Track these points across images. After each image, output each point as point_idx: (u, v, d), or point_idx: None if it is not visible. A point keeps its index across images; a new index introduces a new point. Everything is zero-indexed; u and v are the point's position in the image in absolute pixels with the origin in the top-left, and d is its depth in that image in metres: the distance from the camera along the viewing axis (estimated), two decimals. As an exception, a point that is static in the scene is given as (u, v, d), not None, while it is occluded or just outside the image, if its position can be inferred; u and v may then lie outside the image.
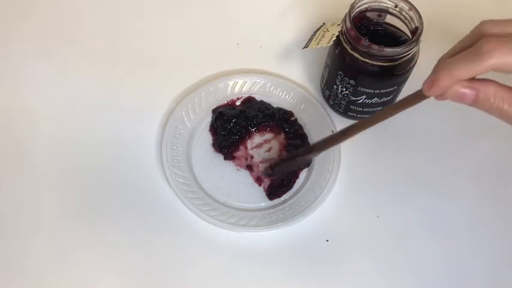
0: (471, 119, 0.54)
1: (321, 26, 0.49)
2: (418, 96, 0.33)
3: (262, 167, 0.50)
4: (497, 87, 0.30)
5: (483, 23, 0.30)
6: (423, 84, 0.31)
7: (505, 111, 0.29)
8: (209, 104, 0.54)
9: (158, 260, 0.47)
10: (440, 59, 0.32)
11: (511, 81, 0.31)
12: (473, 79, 0.30)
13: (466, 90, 0.30)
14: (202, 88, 0.54)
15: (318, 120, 0.53)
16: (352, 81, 0.48)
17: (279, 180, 0.50)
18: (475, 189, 0.51)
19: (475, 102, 0.30)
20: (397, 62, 0.45)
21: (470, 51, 0.29)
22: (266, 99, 0.55)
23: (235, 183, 0.50)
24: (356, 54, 0.45)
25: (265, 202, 0.50)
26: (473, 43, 0.29)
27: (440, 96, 0.31)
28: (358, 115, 0.52)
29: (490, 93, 0.30)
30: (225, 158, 0.52)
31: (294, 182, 0.51)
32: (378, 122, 0.37)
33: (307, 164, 0.51)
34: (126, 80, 0.56)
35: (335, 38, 0.47)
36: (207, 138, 0.53)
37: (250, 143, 0.53)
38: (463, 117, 0.54)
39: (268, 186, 0.50)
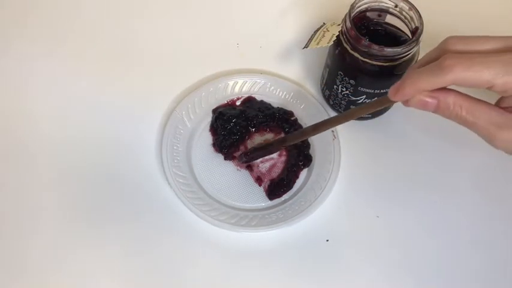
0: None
1: (321, 26, 0.49)
2: (386, 100, 0.36)
3: (237, 155, 0.51)
4: (456, 96, 0.32)
5: (449, 38, 0.32)
6: (389, 90, 0.34)
7: (463, 117, 0.32)
8: (209, 104, 0.54)
9: (158, 260, 0.47)
10: (409, 68, 0.35)
11: (475, 91, 0.33)
12: (436, 89, 0.32)
13: (428, 99, 0.33)
14: (202, 88, 0.54)
15: (318, 120, 0.52)
16: (352, 81, 0.48)
17: (278, 180, 0.50)
18: (475, 189, 0.51)
19: (436, 110, 0.33)
20: (397, 62, 0.45)
21: (434, 65, 0.31)
22: (266, 99, 0.55)
23: (235, 183, 0.50)
24: (356, 54, 0.45)
25: (265, 202, 0.50)
26: (439, 57, 0.32)
27: (406, 102, 0.34)
28: (358, 115, 0.52)
29: (450, 102, 0.32)
30: (225, 158, 0.52)
31: (294, 182, 0.51)
32: (346, 120, 0.41)
33: (308, 164, 0.51)
34: (126, 80, 0.56)
35: (335, 38, 0.47)
36: (207, 138, 0.53)
37: (250, 143, 0.53)
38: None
39: (269, 186, 0.50)
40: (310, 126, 0.45)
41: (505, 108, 0.32)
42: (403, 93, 0.33)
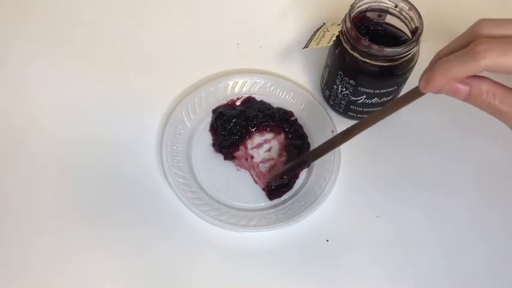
0: (472, 118, 0.54)
1: (321, 26, 0.49)
2: (415, 93, 0.34)
3: (269, 178, 0.50)
4: (490, 84, 0.31)
5: (480, 21, 0.30)
6: (419, 82, 0.32)
7: (496, 107, 0.31)
8: (209, 104, 0.54)
9: (158, 260, 0.47)
10: (436, 54, 0.33)
11: (509, 80, 0.31)
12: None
13: (461, 86, 0.31)
14: (202, 88, 0.54)
15: (318, 120, 0.53)
16: (352, 81, 0.48)
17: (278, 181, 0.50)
18: (475, 189, 0.51)
19: (468, 98, 0.31)
20: (397, 62, 0.45)
21: (465, 51, 0.30)
22: (266, 99, 0.55)
23: (235, 183, 0.50)
24: (356, 54, 0.45)
25: (265, 202, 0.50)
26: (470, 42, 0.30)
27: (437, 92, 0.32)
28: (358, 115, 0.52)
29: (483, 90, 0.31)
30: (225, 158, 0.52)
31: (294, 182, 0.51)
32: (378, 120, 0.39)
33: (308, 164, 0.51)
34: (126, 79, 0.56)
35: (335, 38, 0.47)
36: (207, 138, 0.53)
37: (250, 143, 0.53)
38: (463, 116, 0.54)
39: (268, 186, 0.50)
40: (339, 135, 0.42)
41: None
42: (434, 85, 0.31)
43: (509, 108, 0.30)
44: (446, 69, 0.30)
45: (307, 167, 0.51)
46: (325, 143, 0.45)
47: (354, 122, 0.53)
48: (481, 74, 0.30)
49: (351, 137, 0.41)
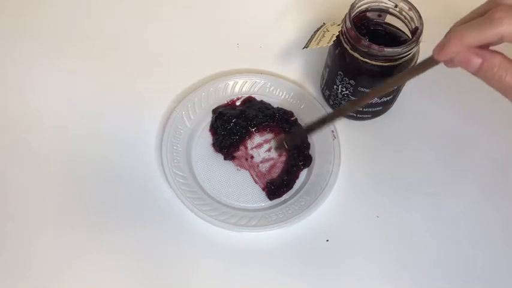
0: (472, 119, 0.54)
1: (321, 26, 0.49)
2: (429, 62, 0.33)
3: (274, 143, 0.51)
4: (503, 59, 0.30)
5: None
6: (434, 48, 0.32)
7: (506, 83, 0.30)
8: (209, 104, 0.54)
9: (158, 259, 0.47)
10: (453, 25, 0.32)
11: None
12: (482, 49, 0.30)
13: (473, 56, 0.30)
14: (202, 88, 0.54)
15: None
16: (352, 81, 0.48)
17: (279, 180, 0.50)
18: (477, 189, 0.51)
19: (479, 70, 0.31)
20: (397, 62, 0.45)
21: (482, 18, 0.29)
22: (266, 99, 0.55)
23: (235, 183, 0.50)
24: (356, 54, 0.45)
25: (265, 202, 0.50)
26: (488, 11, 0.29)
27: (450, 62, 0.32)
28: (358, 115, 0.52)
29: (495, 63, 0.30)
30: (225, 158, 0.52)
31: (294, 182, 0.51)
32: (391, 88, 0.39)
33: (308, 164, 0.51)
34: (126, 80, 0.56)
35: (335, 38, 0.47)
36: (207, 138, 0.53)
37: (250, 143, 0.53)
38: (464, 117, 0.54)
39: (268, 186, 0.50)
40: (347, 103, 0.43)
41: None
42: (448, 51, 0.31)
43: None
44: (461, 35, 0.30)
45: (308, 166, 0.51)
46: (335, 111, 0.45)
47: (353, 121, 0.54)
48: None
49: (361, 105, 0.42)
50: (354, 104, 0.42)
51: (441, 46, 0.31)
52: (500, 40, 0.29)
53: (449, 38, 0.30)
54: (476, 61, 0.30)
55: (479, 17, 0.30)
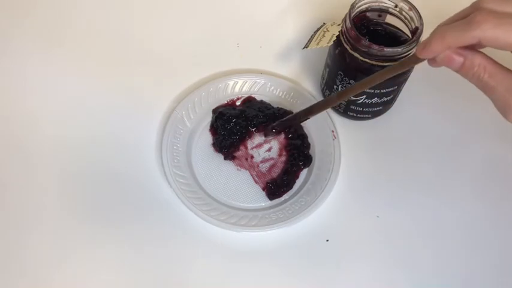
0: (471, 121, 0.54)
1: (321, 26, 0.49)
2: (412, 60, 0.35)
3: (265, 129, 0.52)
4: (483, 58, 0.32)
5: None
6: (417, 46, 0.34)
7: (485, 81, 0.32)
8: (209, 104, 0.54)
9: (158, 259, 0.47)
10: (438, 25, 0.34)
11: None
12: (465, 48, 0.32)
13: (455, 56, 0.32)
14: (202, 88, 0.54)
15: (318, 120, 0.53)
16: (352, 81, 0.48)
17: (279, 180, 0.50)
18: (475, 190, 0.51)
19: (460, 68, 0.33)
20: (397, 62, 0.45)
21: (463, 21, 0.31)
22: (266, 99, 0.55)
23: (235, 183, 0.50)
24: (356, 54, 0.45)
25: (265, 202, 0.50)
26: (470, 14, 0.31)
27: (433, 61, 0.34)
28: (358, 115, 0.52)
29: (475, 62, 0.32)
30: (225, 158, 0.52)
31: (294, 182, 0.51)
32: (374, 83, 0.40)
33: (308, 164, 0.51)
34: (126, 80, 0.56)
35: (335, 38, 0.47)
36: (207, 138, 0.53)
37: (250, 143, 0.53)
38: (463, 119, 0.54)
39: (268, 186, 0.50)
40: (334, 94, 0.44)
41: None
42: (430, 49, 0.32)
43: (497, 84, 0.31)
44: (443, 35, 0.32)
45: (308, 166, 0.51)
46: (319, 101, 0.46)
47: (353, 121, 0.54)
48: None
49: (346, 98, 0.43)
50: (340, 96, 0.44)
51: (424, 44, 0.33)
52: (478, 43, 0.30)
53: (432, 38, 0.32)
54: (458, 60, 0.32)
55: (462, 18, 0.32)
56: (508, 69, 0.32)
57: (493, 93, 0.32)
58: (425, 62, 0.35)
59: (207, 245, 0.47)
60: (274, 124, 0.51)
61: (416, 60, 0.34)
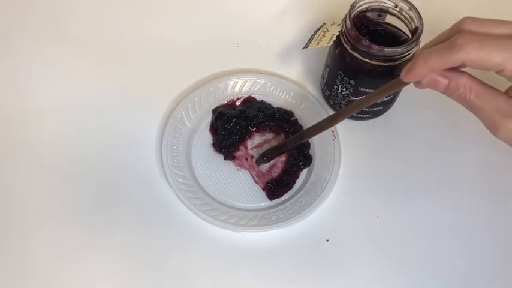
0: (472, 120, 0.54)
1: (321, 26, 0.49)
2: (397, 83, 0.35)
3: (255, 158, 0.52)
4: (468, 78, 0.32)
5: (464, 18, 0.32)
6: (401, 70, 0.34)
7: (471, 101, 0.32)
8: (209, 104, 0.54)
9: (158, 259, 0.47)
10: (421, 48, 0.34)
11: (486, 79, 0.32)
12: (449, 69, 0.32)
13: (440, 78, 0.32)
14: (202, 88, 0.54)
15: (318, 120, 0.53)
16: (352, 81, 0.48)
17: (279, 180, 0.50)
18: (475, 190, 0.51)
19: (446, 90, 0.33)
20: (397, 62, 0.45)
21: (445, 43, 0.31)
22: (266, 99, 0.55)
23: (235, 183, 0.50)
24: (356, 54, 0.45)
25: (265, 202, 0.50)
26: (452, 36, 0.31)
27: (418, 84, 0.34)
28: (358, 115, 0.52)
29: (461, 84, 0.32)
30: (225, 158, 0.52)
31: (294, 182, 0.51)
32: (363, 107, 0.41)
33: (308, 164, 0.51)
34: (126, 79, 0.56)
35: (335, 38, 0.47)
36: (207, 138, 0.53)
37: (250, 143, 0.53)
38: (463, 119, 0.54)
39: (268, 186, 0.50)
40: (325, 119, 0.45)
41: None
42: (414, 73, 0.32)
43: (484, 104, 0.31)
44: (427, 59, 0.32)
45: (308, 166, 0.51)
46: (311, 126, 0.46)
47: (353, 122, 0.54)
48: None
49: (337, 122, 0.44)
50: (331, 120, 0.44)
51: (408, 69, 0.33)
52: (462, 65, 0.31)
53: (415, 62, 0.32)
54: (443, 82, 0.32)
55: (444, 41, 0.32)
56: (493, 89, 0.32)
57: (481, 113, 0.32)
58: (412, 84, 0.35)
59: (207, 245, 0.47)
60: (265, 152, 0.50)
61: (403, 83, 0.35)
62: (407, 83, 0.34)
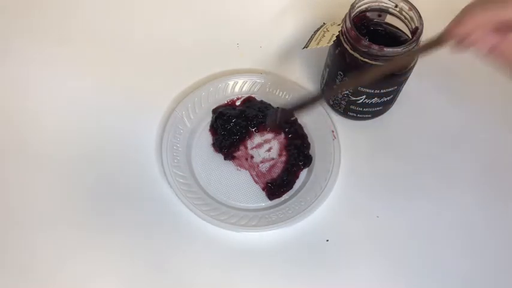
0: (472, 120, 0.54)
1: (321, 26, 0.49)
2: (434, 43, 0.33)
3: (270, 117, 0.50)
4: None
5: None
6: (447, 25, 0.31)
7: None
8: (209, 104, 0.54)
9: (158, 259, 0.47)
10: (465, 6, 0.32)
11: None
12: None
13: (489, 36, 0.30)
14: (202, 88, 0.54)
15: (318, 120, 0.53)
16: (352, 81, 0.48)
17: (279, 180, 0.50)
18: (475, 190, 0.51)
19: (493, 49, 0.30)
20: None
21: (492, 1, 0.29)
22: (266, 99, 0.55)
23: (235, 183, 0.50)
24: (356, 54, 0.45)
25: (265, 202, 0.50)
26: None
27: (460, 44, 0.31)
28: (358, 115, 0.52)
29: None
30: (225, 158, 0.51)
31: (294, 182, 0.51)
32: (397, 66, 0.39)
33: (308, 164, 0.51)
34: (126, 80, 0.56)
35: (335, 38, 0.47)
36: (207, 138, 0.53)
37: (250, 143, 0.53)
38: (464, 118, 0.54)
39: (268, 186, 0.50)
40: (342, 82, 0.42)
41: None
42: (464, 27, 0.30)
43: None
44: (476, 15, 0.30)
45: (308, 166, 0.51)
46: (342, 82, 0.44)
47: (353, 122, 0.53)
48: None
49: (366, 81, 0.42)
50: (350, 83, 0.42)
51: (457, 21, 0.31)
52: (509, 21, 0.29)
53: (462, 16, 0.30)
54: (492, 40, 0.30)
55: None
56: None
57: None
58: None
59: (207, 245, 0.47)
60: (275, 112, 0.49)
61: (439, 43, 0.32)
62: (445, 43, 0.32)
